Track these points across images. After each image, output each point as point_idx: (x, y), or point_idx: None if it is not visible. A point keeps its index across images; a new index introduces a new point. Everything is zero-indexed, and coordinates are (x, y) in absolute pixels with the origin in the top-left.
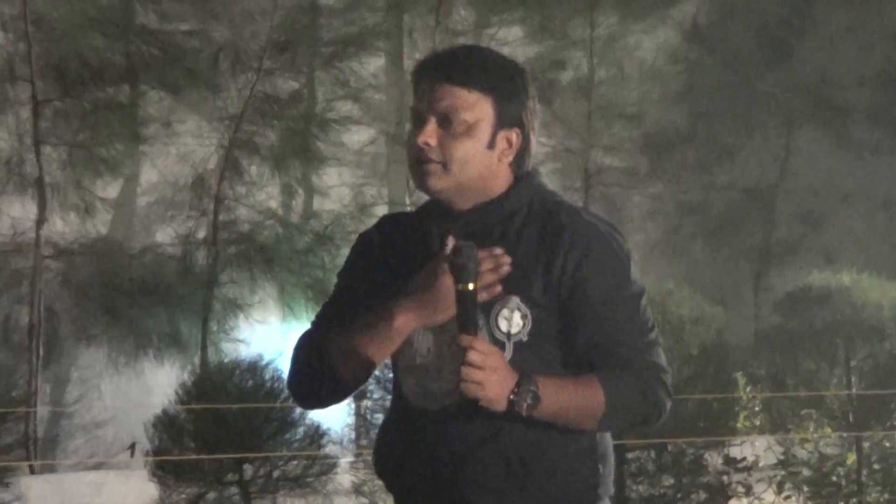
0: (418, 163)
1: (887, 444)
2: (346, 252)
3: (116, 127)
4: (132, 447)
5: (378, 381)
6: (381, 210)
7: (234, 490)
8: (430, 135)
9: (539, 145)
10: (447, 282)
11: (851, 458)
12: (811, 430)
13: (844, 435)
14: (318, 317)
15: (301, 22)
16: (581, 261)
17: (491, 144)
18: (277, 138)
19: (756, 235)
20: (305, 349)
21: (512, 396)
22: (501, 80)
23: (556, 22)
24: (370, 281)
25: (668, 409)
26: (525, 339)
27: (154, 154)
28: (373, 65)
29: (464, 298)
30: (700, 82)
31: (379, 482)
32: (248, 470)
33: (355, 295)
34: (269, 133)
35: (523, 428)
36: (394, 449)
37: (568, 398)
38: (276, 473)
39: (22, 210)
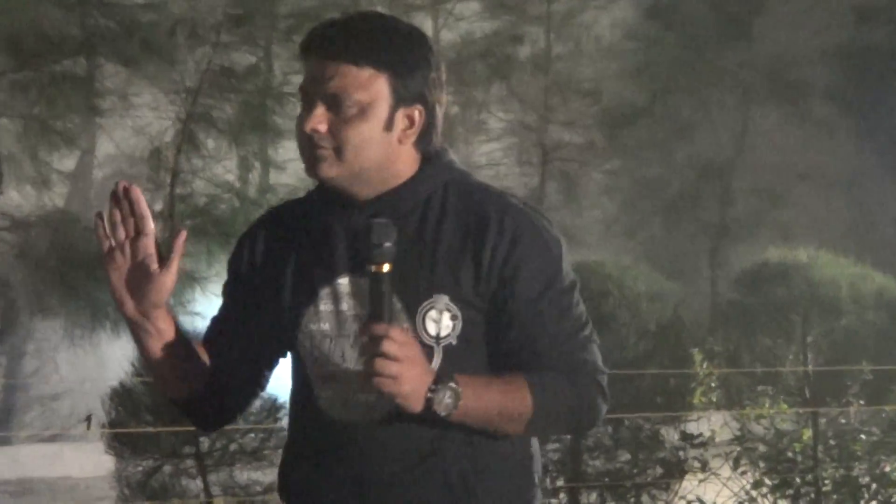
0: (309, 148)
1: (843, 421)
2: None
3: (73, 99)
4: (88, 419)
5: None
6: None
7: (190, 462)
8: (318, 120)
9: (496, 120)
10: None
11: (807, 434)
12: (767, 406)
13: (800, 411)
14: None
15: None
16: (509, 252)
17: (389, 126)
18: (234, 112)
19: (713, 212)
20: None
21: (429, 394)
22: (397, 53)
23: None
24: (249, 286)
25: (603, 413)
26: (455, 342)
27: (110, 127)
28: None
29: (378, 282)
30: (657, 59)
31: None
32: (205, 443)
33: (233, 305)
34: (226, 107)
35: (465, 442)
36: (305, 471)
37: (492, 400)
38: (232, 446)
39: None
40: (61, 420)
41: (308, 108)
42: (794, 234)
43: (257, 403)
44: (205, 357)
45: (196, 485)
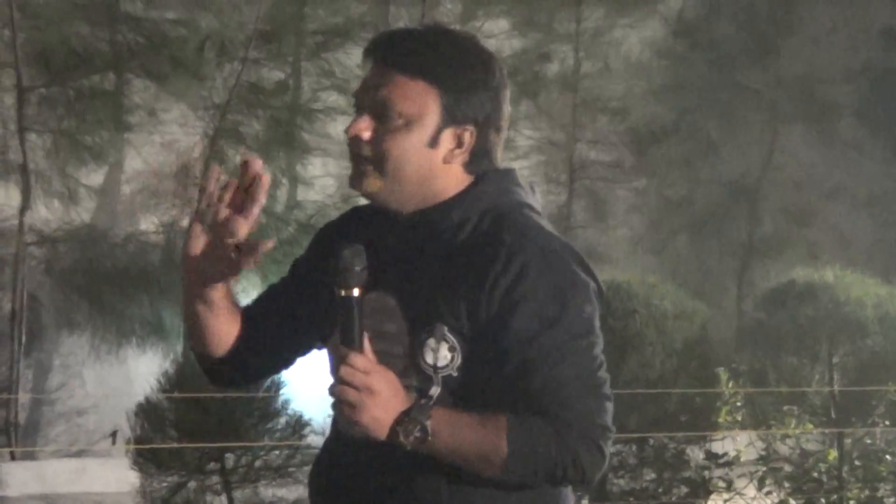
0: (352, 159)
1: (868, 441)
2: None
3: (101, 114)
4: (113, 435)
5: None
6: (365, 202)
7: (215, 479)
8: (362, 127)
9: (524, 138)
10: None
11: (833, 454)
12: (793, 425)
13: (826, 431)
14: None
15: (287, 12)
16: (511, 286)
17: (433, 143)
18: (262, 128)
19: (740, 231)
20: None
21: (395, 426)
22: (453, 71)
23: (542, 15)
24: (317, 270)
25: (595, 473)
26: (455, 374)
27: (139, 142)
28: (358, 55)
29: (346, 305)
30: (685, 77)
31: None
32: (230, 459)
33: (291, 282)
34: (254, 123)
35: (445, 474)
36: (324, 476)
37: (465, 438)
38: (257, 463)
39: (5, 197)
40: (87, 435)
41: (356, 115)
42: (820, 253)
43: (282, 420)
44: (238, 324)
45: (221, 501)
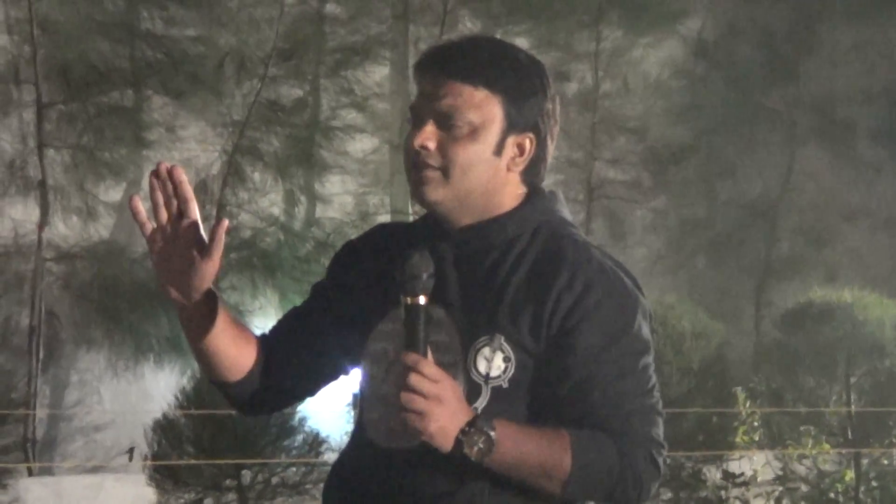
0: (415, 168)
1: (885, 462)
2: None
3: (120, 131)
4: (131, 451)
5: None
6: (384, 219)
7: (232, 496)
8: (428, 137)
9: None
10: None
11: (849, 474)
12: (809, 446)
13: (843, 451)
14: None
15: (306, 30)
16: (576, 302)
17: (498, 150)
18: (281, 145)
19: (758, 251)
20: None
21: (461, 437)
22: (514, 78)
23: (561, 34)
24: (342, 291)
25: (651, 489)
26: (506, 385)
27: (157, 159)
28: (377, 74)
29: (412, 313)
30: (704, 97)
31: None
32: (247, 476)
33: (316, 303)
34: (272, 140)
35: (488, 486)
36: (346, 489)
37: (530, 452)
38: (274, 480)
39: (24, 212)
40: (104, 451)
41: (418, 125)
42: (838, 274)
43: (299, 437)
44: (252, 348)
45: None
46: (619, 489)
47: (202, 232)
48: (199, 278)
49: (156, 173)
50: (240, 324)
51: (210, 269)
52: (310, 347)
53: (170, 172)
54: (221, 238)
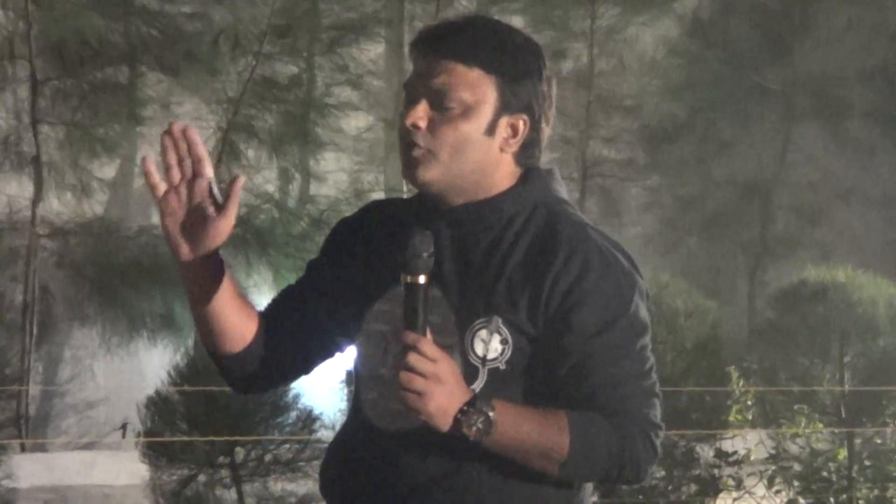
0: (406, 148)
1: (878, 441)
2: None
3: (114, 107)
4: (124, 427)
5: None
6: (378, 196)
7: (225, 473)
8: (419, 115)
9: None
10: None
11: (842, 453)
12: (803, 425)
13: (836, 431)
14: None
15: (302, 7)
16: (574, 284)
17: (491, 131)
18: (276, 122)
19: (752, 230)
20: None
21: (459, 416)
22: (509, 58)
23: (557, 13)
24: (337, 269)
25: (648, 471)
26: (503, 367)
27: (152, 135)
28: (373, 51)
29: (413, 293)
30: (699, 76)
31: None
32: (240, 453)
33: (312, 281)
34: (267, 117)
35: (486, 468)
36: (343, 469)
37: (528, 433)
38: (267, 457)
39: (18, 188)
40: (97, 428)
41: (411, 104)
42: (832, 253)
43: (293, 414)
44: (253, 322)
45: (230, 495)
46: (617, 470)
47: (216, 190)
48: (213, 237)
49: (169, 133)
50: (244, 296)
51: (226, 226)
52: (305, 325)
53: (184, 132)
54: (237, 194)
